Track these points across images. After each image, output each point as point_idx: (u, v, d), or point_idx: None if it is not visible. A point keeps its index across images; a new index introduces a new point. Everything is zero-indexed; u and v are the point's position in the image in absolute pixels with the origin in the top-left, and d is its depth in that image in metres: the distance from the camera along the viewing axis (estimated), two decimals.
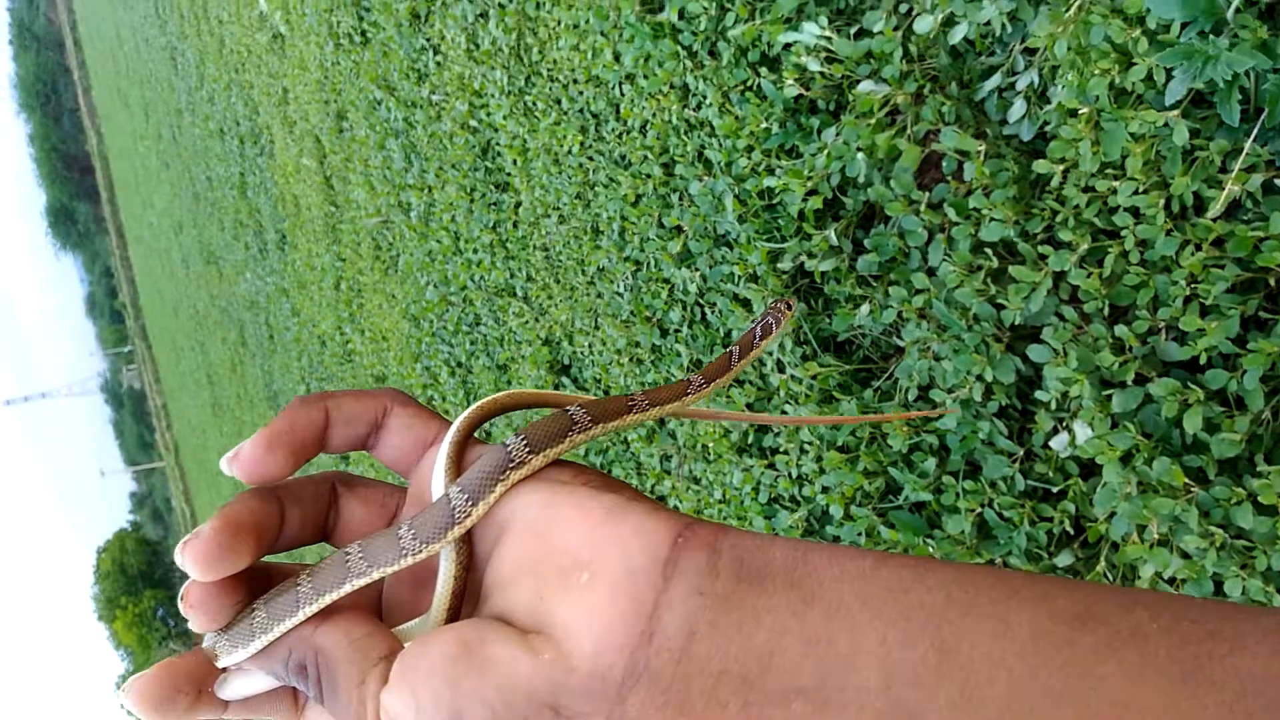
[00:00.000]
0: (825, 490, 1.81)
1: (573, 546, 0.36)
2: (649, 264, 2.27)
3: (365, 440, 0.46)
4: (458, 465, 0.42)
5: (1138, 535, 1.27)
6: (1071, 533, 1.41)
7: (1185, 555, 1.22)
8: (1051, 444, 1.40)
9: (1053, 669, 0.30)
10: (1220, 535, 1.16)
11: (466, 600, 0.42)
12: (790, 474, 1.93)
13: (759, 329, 0.57)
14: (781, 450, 1.94)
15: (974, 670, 0.30)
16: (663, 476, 2.45)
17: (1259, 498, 1.11)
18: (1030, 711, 0.29)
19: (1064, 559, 1.41)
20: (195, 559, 0.40)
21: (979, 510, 1.50)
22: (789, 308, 0.59)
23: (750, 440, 2.05)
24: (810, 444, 1.84)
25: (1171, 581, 1.27)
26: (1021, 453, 1.47)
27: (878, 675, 0.31)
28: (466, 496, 0.39)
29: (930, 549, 1.56)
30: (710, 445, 2.16)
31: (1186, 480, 1.19)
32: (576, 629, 0.34)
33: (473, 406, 0.44)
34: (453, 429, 0.43)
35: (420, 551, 0.40)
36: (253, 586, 0.43)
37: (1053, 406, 1.38)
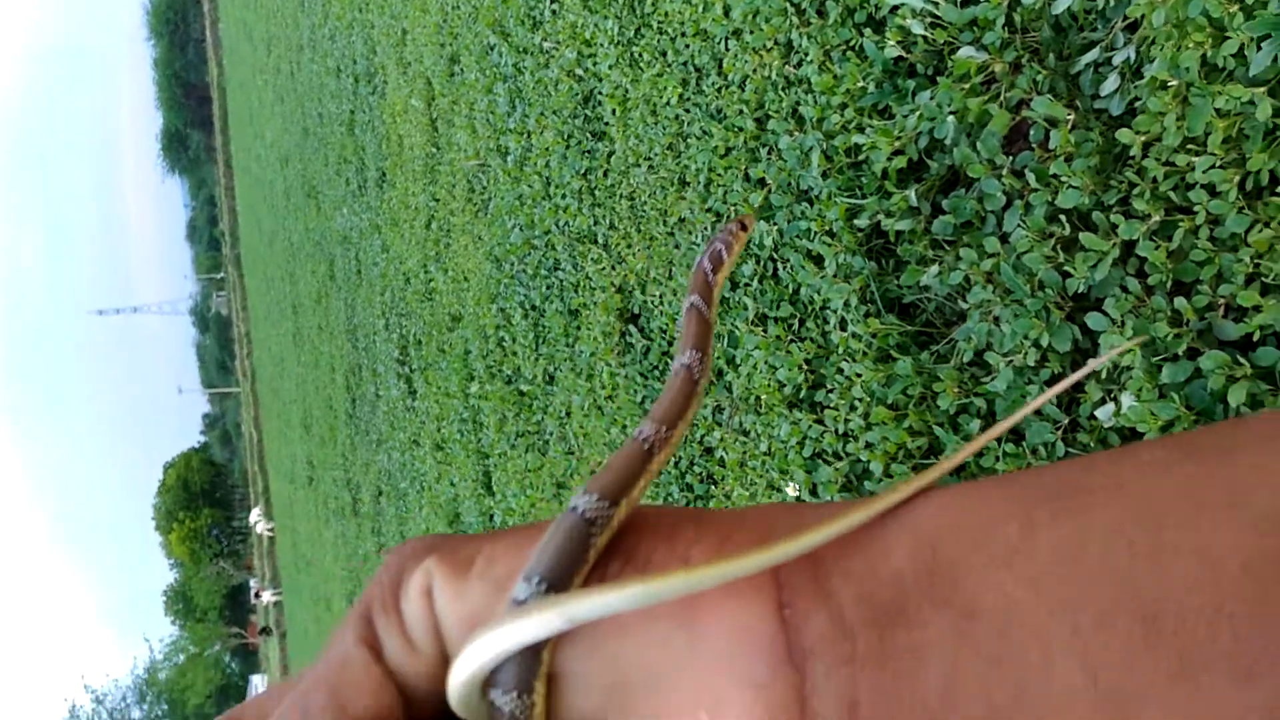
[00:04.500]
0: (869, 447, 1.85)
1: (663, 686, 0.29)
2: (730, 216, 2.32)
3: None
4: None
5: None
6: None
7: None
8: (1097, 414, 1.42)
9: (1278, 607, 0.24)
10: None
11: None
12: (837, 430, 1.97)
13: (707, 262, 0.45)
14: (832, 406, 1.98)
15: (1190, 629, 0.25)
16: (713, 428, 2.50)
17: None
18: (1261, 665, 0.25)
19: None
20: None
21: None
22: (744, 228, 0.47)
23: (803, 395, 2.10)
24: (861, 400, 1.87)
25: None
26: (1066, 421, 1.49)
27: (1080, 673, 0.26)
28: (516, 693, 0.30)
29: None
30: (763, 397, 2.21)
31: None
32: None
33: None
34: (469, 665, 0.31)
35: None
36: None
37: (1103, 376, 1.40)
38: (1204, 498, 0.27)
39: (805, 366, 2.07)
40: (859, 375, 1.88)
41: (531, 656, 0.29)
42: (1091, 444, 1.44)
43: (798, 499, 2.12)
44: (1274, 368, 1.18)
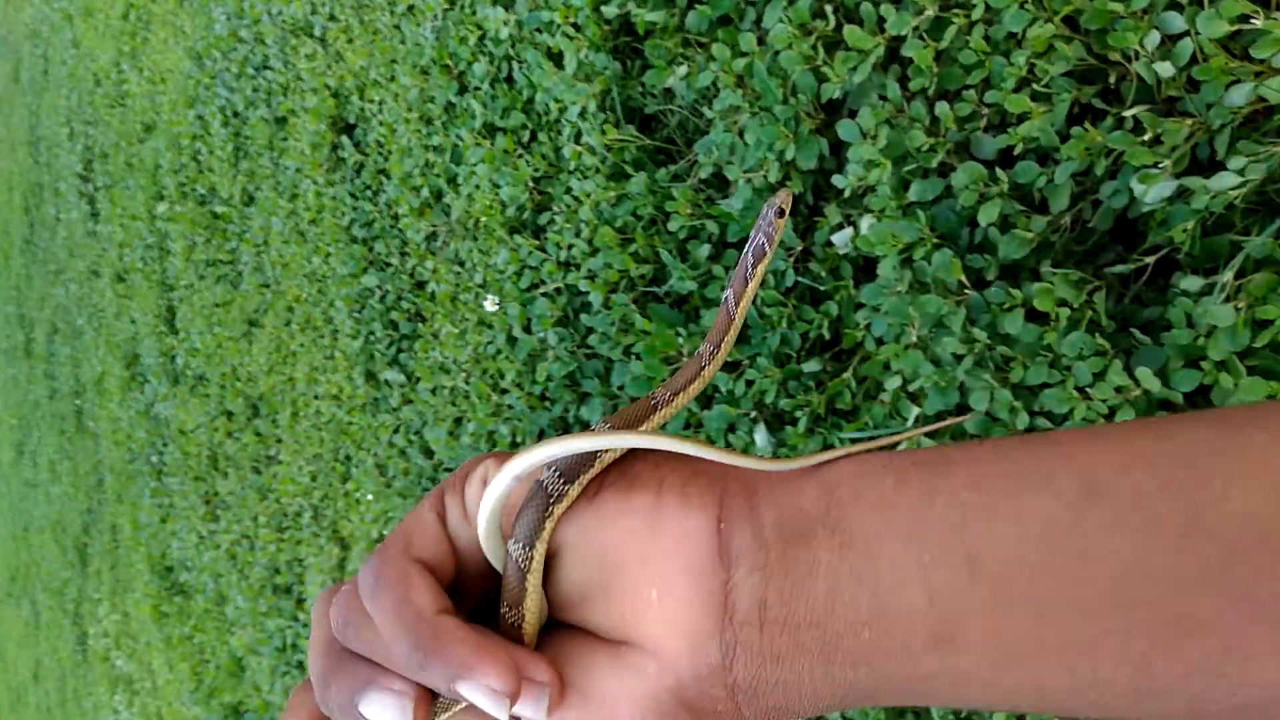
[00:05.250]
0: (591, 276, 1.63)
1: (631, 568, 0.38)
2: (463, 3, 1.99)
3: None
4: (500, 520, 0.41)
5: (895, 339, 1.16)
6: (828, 338, 1.29)
7: (937, 363, 1.11)
8: (834, 239, 1.27)
9: (1068, 555, 0.32)
10: (982, 342, 1.06)
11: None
12: (558, 257, 1.74)
13: (750, 257, 0.46)
14: (556, 229, 1.74)
15: (1001, 571, 0.33)
16: (426, 256, 2.20)
17: (1034, 303, 1.01)
18: (1055, 595, 0.32)
19: (812, 365, 1.29)
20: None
21: None
22: (781, 215, 0.46)
23: (526, 218, 1.84)
24: (587, 223, 1.65)
25: (915, 395, 1.17)
26: (799, 249, 1.33)
27: (922, 596, 0.34)
28: (523, 544, 0.39)
29: (680, 340, 1.41)
30: (484, 220, 1.94)
31: (963, 280, 1.08)
32: (668, 638, 0.37)
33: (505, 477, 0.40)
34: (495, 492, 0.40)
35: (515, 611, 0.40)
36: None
37: (847, 195, 1.24)
38: (1025, 474, 0.34)
39: (532, 184, 1.81)
40: (588, 194, 1.65)
41: (538, 521, 0.39)
42: (823, 273, 1.29)
43: (495, 313, 1.88)
44: (1031, 186, 1.05)
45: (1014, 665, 0.33)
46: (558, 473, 0.39)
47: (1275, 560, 0.29)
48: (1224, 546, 0.30)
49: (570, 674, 0.38)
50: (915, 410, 1.15)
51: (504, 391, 1.94)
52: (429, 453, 2.25)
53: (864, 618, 0.34)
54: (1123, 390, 0.95)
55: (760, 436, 1.33)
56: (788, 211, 0.46)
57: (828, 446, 1.27)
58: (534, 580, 0.39)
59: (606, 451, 0.40)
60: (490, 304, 1.86)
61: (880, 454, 0.38)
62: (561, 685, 0.37)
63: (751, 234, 0.46)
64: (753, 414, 1.37)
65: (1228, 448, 0.31)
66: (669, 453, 0.41)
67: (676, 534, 0.37)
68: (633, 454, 0.41)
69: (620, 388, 1.61)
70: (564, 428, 1.83)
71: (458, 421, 2.14)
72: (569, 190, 1.72)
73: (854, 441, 0.54)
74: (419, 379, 2.24)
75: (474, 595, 0.41)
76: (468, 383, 2.06)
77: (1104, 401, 0.96)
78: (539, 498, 0.39)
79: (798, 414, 1.29)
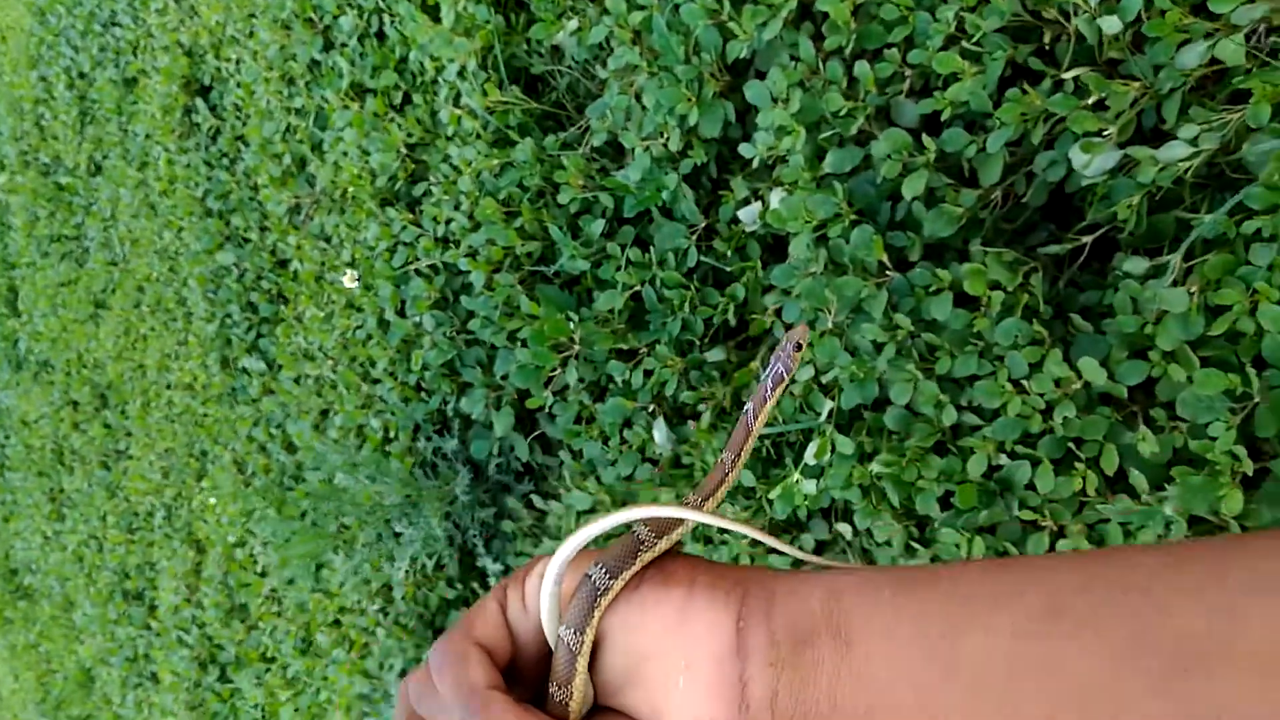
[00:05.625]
0: (472, 254, 1.48)
1: (662, 655, 0.43)
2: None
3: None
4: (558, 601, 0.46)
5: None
6: (733, 324, 1.17)
7: (854, 352, 1.00)
8: (740, 215, 1.15)
9: (1032, 662, 0.36)
10: (905, 329, 0.95)
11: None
12: (435, 233, 1.57)
13: (769, 382, 0.52)
14: (434, 201, 1.57)
15: (976, 673, 0.37)
16: (288, 231, 2.00)
17: (964, 286, 0.91)
18: (1020, 697, 0.36)
19: (715, 354, 1.17)
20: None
21: (638, 287, 1.23)
22: (799, 348, 0.52)
23: (399, 188, 1.67)
24: (467, 195, 1.49)
25: (828, 388, 1.06)
26: (703, 226, 1.20)
27: (911, 692, 0.38)
28: (573, 630, 0.44)
29: (571, 326, 1.27)
30: (351, 190, 1.75)
31: (884, 260, 0.97)
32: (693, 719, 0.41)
33: (559, 560, 0.46)
34: (549, 581, 0.46)
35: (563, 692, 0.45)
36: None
37: (755, 166, 1.12)
38: (999, 590, 0.39)
39: (406, 151, 1.64)
40: (469, 163, 1.48)
41: (587, 610, 0.44)
42: (728, 252, 1.17)
43: (357, 292, 1.71)
44: (959, 156, 0.95)
45: None
46: (604, 569, 0.44)
47: (1210, 675, 0.33)
48: (1165, 661, 0.34)
49: None
50: (829, 404, 1.04)
51: (375, 381, 1.77)
52: (292, 448, 2.05)
53: (861, 711, 0.39)
54: (1062, 383, 0.85)
55: (659, 434, 1.20)
56: (804, 346, 0.52)
57: None
58: (582, 663, 0.44)
59: (646, 552, 0.45)
60: (349, 280, 1.69)
61: (880, 568, 0.43)
62: None
63: (771, 360, 0.52)
64: (651, 407, 1.24)
65: (1171, 575, 0.36)
66: (703, 560, 0.47)
67: (701, 628, 0.42)
68: (670, 554, 0.46)
69: (504, 377, 1.46)
70: (442, 421, 1.67)
71: (324, 414, 1.95)
72: (447, 158, 1.56)
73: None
74: (280, 367, 2.03)
75: (530, 681, 0.47)
76: (335, 371, 1.87)
77: (1041, 395, 0.86)
78: (587, 590, 0.44)
79: (700, 407, 1.17)
